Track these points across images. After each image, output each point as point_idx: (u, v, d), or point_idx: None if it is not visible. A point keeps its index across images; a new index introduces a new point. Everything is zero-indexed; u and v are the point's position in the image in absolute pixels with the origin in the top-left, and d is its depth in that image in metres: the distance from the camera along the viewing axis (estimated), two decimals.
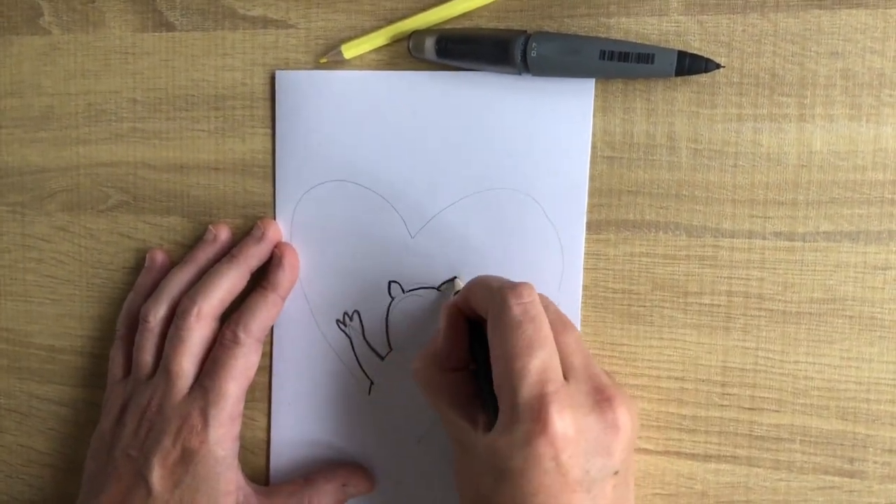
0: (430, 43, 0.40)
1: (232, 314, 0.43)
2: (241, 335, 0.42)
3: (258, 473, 0.46)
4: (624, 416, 0.34)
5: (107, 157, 0.48)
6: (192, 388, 0.42)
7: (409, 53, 0.41)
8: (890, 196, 0.37)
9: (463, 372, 0.39)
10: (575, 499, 0.32)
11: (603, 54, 0.37)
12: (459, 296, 0.39)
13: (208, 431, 0.41)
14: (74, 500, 0.44)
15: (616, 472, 0.34)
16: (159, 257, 0.46)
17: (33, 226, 0.50)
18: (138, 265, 0.48)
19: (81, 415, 0.50)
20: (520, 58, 0.39)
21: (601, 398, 0.34)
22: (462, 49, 0.40)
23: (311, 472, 0.44)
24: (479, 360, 0.38)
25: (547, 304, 0.37)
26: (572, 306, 0.41)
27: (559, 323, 0.36)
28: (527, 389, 0.33)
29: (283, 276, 0.43)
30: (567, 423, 0.33)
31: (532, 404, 0.33)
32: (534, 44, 0.38)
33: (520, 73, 0.40)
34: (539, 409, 0.32)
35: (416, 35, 0.41)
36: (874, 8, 0.36)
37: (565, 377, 0.34)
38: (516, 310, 0.34)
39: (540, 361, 0.33)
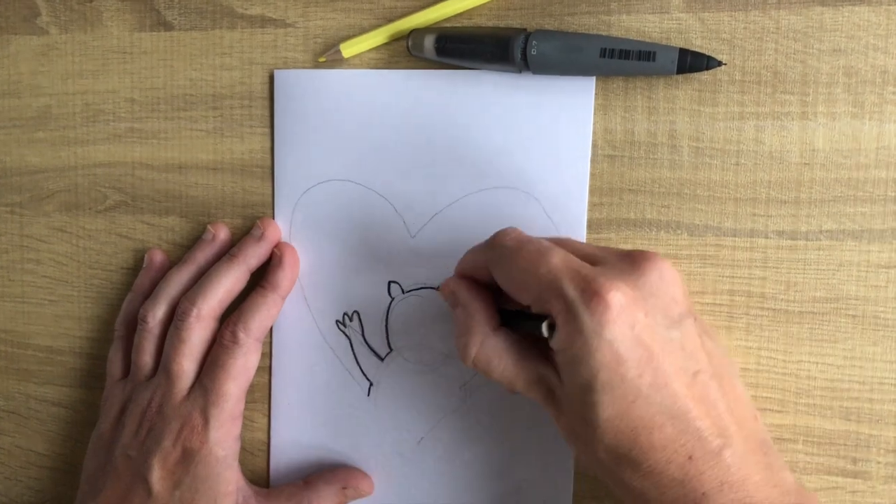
0: (429, 41, 0.40)
1: (231, 314, 0.43)
2: (241, 335, 0.42)
3: (258, 474, 0.46)
4: (666, 265, 0.33)
5: (105, 158, 0.47)
6: (192, 388, 0.42)
7: (408, 52, 0.41)
8: (893, 194, 0.37)
9: (504, 329, 0.36)
10: (666, 358, 0.31)
11: (603, 52, 0.37)
12: (458, 269, 0.38)
13: (209, 431, 0.41)
14: (73, 502, 0.44)
15: (695, 319, 0.33)
16: (158, 257, 0.46)
17: (31, 226, 0.49)
18: (137, 265, 0.47)
19: (80, 416, 0.50)
20: (520, 56, 0.38)
21: (637, 259, 0.33)
22: (461, 48, 0.40)
23: (311, 474, 0.44)
24: (506, 315, 0.37)
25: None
26: None
27: (555, 241, 0.35)
28: (566, 286, 0.32)
29: (283, 276, 0.43)
30: (622, 290, 0.31)
31: (579, 294, 0.31)
32: (534, 42, 0.38)
33: (520, 72, 0.40)
34: (590, 293, 0.31)
35: (416, 34, 0.41)
36: (877, 5, 0.36)
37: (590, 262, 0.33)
38: (509, 241, 0.35)
39: (559, 259, 0.33)
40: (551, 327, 0.33)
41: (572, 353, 0.31)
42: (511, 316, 0.37)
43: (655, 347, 0.31)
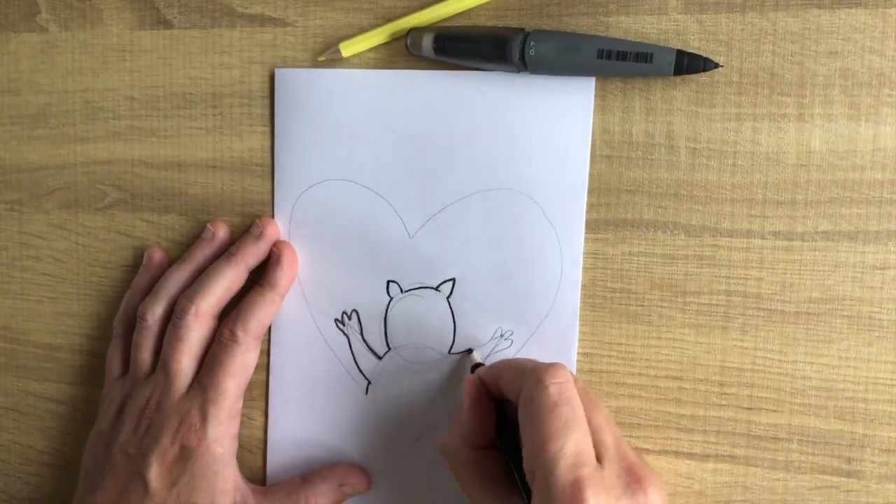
0: (427, 40, 0.40)
1: (230, 312, 0.43)
2: (240, 333, 0.42)
3: (255, 472, 0.46)
4: (655, 497, 0.34)
5: (104, 155, 0.48)
6: (190, 386, 0.42)
7: (406, 51, 0.41)
8: (889, 196, 0.37)
9: (490, 450, 0.38)
10: None
11: (601, 53, 0.37)
12: (485, 374, 0.39)
13: (207, 429, 0.41)
14: (71, 498, 0.44)
15: None
16: (157, 255, 0.46)
17: (31, 224, 0.49)
18: (136, 263, 0.48)
19: (79, 413, 0.50)
20: (518, 56, 0.38)
21: (633, 480, 0.34)
22: (460, 47, 0.40)
23: (308, 471, 0.44)
24: (505, 438, 0.38)
25: (577, 383, 0.37)
26: (571, 306, 0.41)
27: (588, 401, 0.36)
28: (562, 473, 0.32)
29: (282, 275, 0.43)
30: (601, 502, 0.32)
31: (567, 489, 0.32)
32: (532, 42, 0.38)
33: (518, 72, 0.40)
34: (574, 493, 0.32)
35: (414, 32, 0.41)
36: (873, 7, 0.36)
37: (598, 458, 0.34)
38: (552, 390, 0.34)
39: (574, 443, 0.33)
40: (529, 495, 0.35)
41: None
42: (505, 441, 0.38)
43: None
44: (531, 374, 0.35)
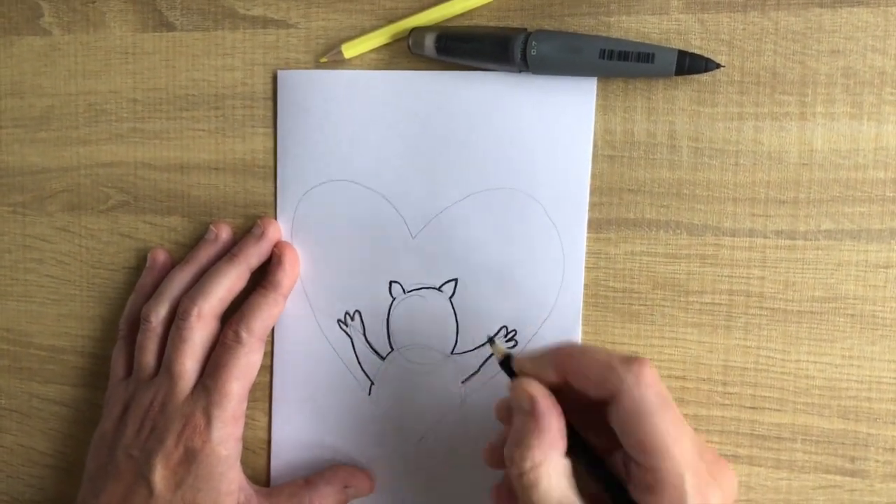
0: (429, 40, 0.40)
1: (233, 314, 0.43)
2: (244, 335, 0.42)
3: (259, 473, 0.46)
4: (734, 483, 0.35)
5: (107, 158, 0.48)
6: (194, 388, 0.42)
7: (408, 51, 0.41)
8: (891, 194, 0.37)
9: (569, 457, 0.34)
10: None
11: (603, 53, 0.37)
12: (540, 367, 0.35)
13: (211, 431, 0.41)
14: (75, 501, 0.44)
15: None
16: (161, 257, 0.46)
17: (34, 226, 0.50)
18: (139, 265, 0.48)
19: (82, 415, 0.50)
20: (520, 56, 0.38)
21: (716, 469, 0.34)
22: (462, 47, 0.40)
23: (312, 473, 0.44)
24: (579, 445, 0.34)
25: None
26: (574, 306, 0.41)
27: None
28: (694, 473, 0.32)
29: (284, 275, 0.43)
30: (719, 494, 0.32)
31: (701, 487, 0.32)
32: (534, 42, 0.38)
33: (520, 72, 0.40)
34: (704, 490, 0.32)
35: (416, 32, 0.41)
36: (875, 6, 0.36)
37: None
38: (658, 389, 0.33)
39: (690, 440, 0.33)
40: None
41: None
42: (580, 447, 0.34)
43: None
44: (628, 374, 0.32)
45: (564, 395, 0.34)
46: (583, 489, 0.33)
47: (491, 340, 0.38)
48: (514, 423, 0.34)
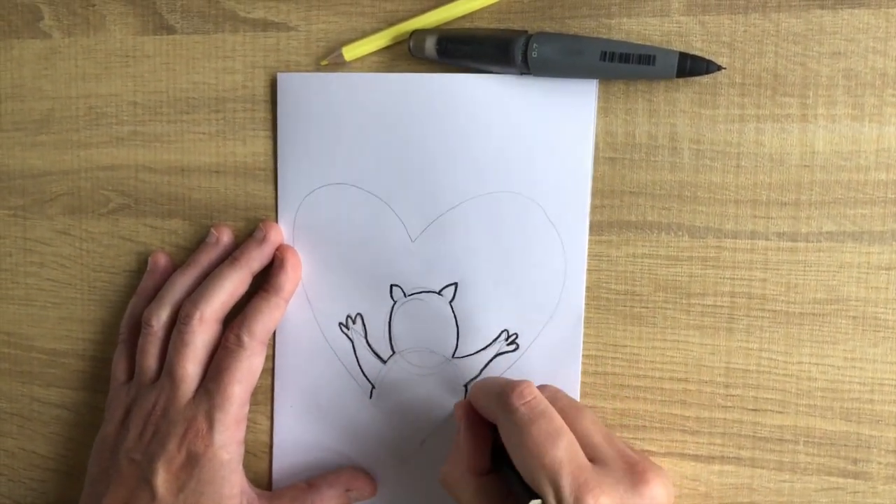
0: (430, 43, 0.40)
1: (235, 318, 0.43)
2: (245, 339, 0.42)
3: (260, 475, 0.46)
4: (660, 489, 0.34)
5: (107, 161, 0.48)
6: (196, 391, 0.42)
7: (409, 53, 0.41)
8: (893, 196, 0.37)
9: (492, 474, 0.38)
10: None
11: (604, 55, 0.37)
12: (470, 398, 0.39)
13: (213, 435, 0.41)
14: None
15: None
16: (161, 260, 0.46)
17: (34, 229, 0.50)
18: (140, 268, 0.48)
19: (83, 418, 0.50)
20: (520, 58, 0.38)
21: (635, 474, 0.34)
22: (462, 49, 0.40)
23: (314, 476, 0.44)
24: (502, 460, 0.37)
25: (555, 394, 0.38)
26: (576, 308, 0.41)
27: (572, 409, 0.36)
28: (565, 483, 0.33)
29: (286, 279, 0.43)
30: (612, 500, 0.33)
31: (573, 496, 0.32)
32: (534, 44, 0.38)
33: (520, 74, 0.40)
34: (581, 498, 0.32)
35: (417, 34, 0.41)
36: (876, 8, 0.36)
37: (591, 459, 0.34)
38: (523, 410, 0.35)
39: (564, 451, 0.33)
40: None
41: None
42: (504, 462, 0.37)
43: None
44: (499, 399, 0.36)
45: None
46: None
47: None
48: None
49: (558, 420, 0.35)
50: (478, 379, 0.42)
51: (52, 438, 0.51)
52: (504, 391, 0.35)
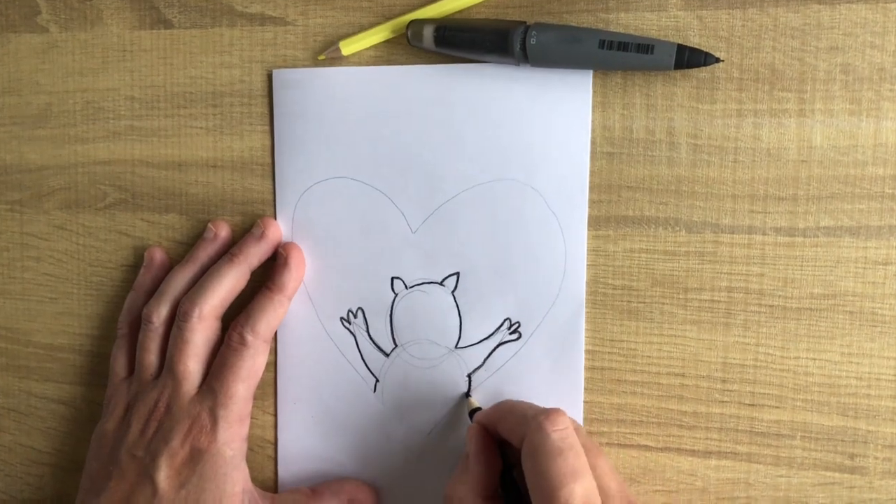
0: (428, 31, 0.40)
1: (238, 315, 0.43)
2: (249, 337, 0.42)
3: (265, 472, 0.46)
4: None
5: (105, 155, 0.48)
6: (199, 389, 0.42)
7: (407, 43, 0.41)
8: (890, 191, 0.37)
9: (497, 500, 0.38)
10: None
11: (602, 44, 0.37)
12: (485, 419, 0.39)
13: (217, 432, 0.41)
14: (73, 499, 0.44)
15: None
16: (158, 255, 0.46)
17: (31, 224, 0.49)
18: (137, 263, 0.47)
19: (81, 413, 0.50)
20: (519, 47, 0.38)
21: None
22: (461, 37, 0.40)
23: (319, 473, 0.44)
24: (508, 483, 0.38)
25: (577, 428, 0.38)
26: (577, 294, 0.41)
27: (593, 448, 0.37)
28: None
29: (289, 277, 0.43)
30: None
31: None
32: (533, 32, 0.38)
33: (518, 64, 0.40)
34: None
35: (415, 24, 0.41)
36: (874, 2, 0.36)
37: (603, 502, 0.34)
38: (555, 437, 0.34)
39: (583, 489, 0.33)
40: None
41: None
42: (511, 489, 0.38)
43: None
44: (533, 422, 0.35)
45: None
46: None
47: (467, 395, 0.42)
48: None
49: (584, 458, 0.35)
50: (480, 369, 0.42)
51: (48, 433, 0.50)
52: (539, 414, 0.35)
